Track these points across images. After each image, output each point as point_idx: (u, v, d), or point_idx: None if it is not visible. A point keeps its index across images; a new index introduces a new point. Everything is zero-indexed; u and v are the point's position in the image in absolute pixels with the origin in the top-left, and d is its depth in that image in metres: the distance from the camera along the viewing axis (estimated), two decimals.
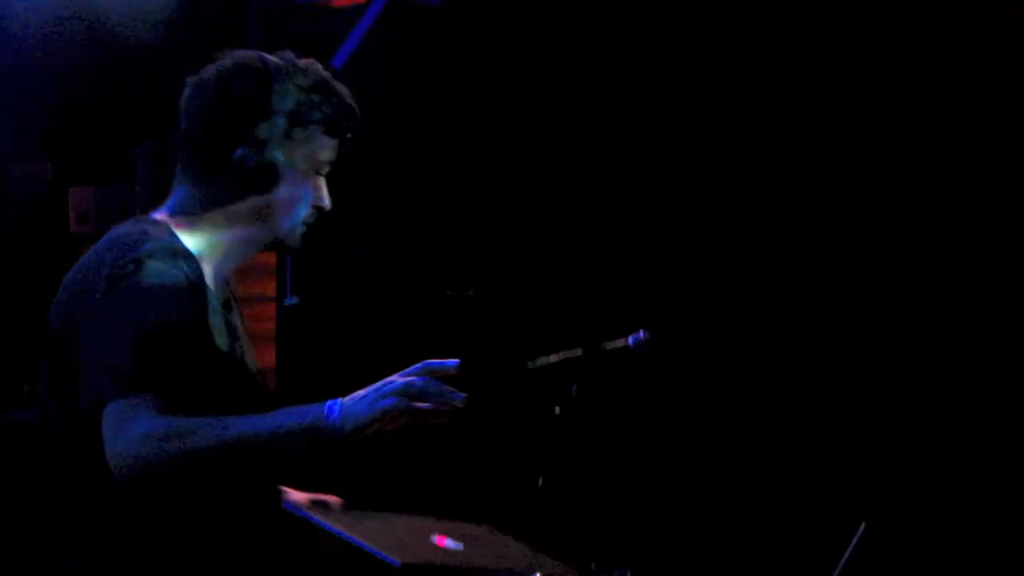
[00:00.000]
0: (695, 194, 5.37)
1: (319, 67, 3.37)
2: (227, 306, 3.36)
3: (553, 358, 3.46)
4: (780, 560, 4.71)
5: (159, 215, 3.31)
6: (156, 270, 3.13)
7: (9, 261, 5.85)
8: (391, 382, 2.95)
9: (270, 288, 5.78)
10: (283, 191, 3.31)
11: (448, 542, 3.01)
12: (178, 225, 3.28)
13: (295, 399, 2.99)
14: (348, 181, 3.46)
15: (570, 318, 4.95)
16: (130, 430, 2.98)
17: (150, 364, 3.03)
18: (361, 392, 2.97)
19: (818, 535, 3.34)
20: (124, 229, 3.26)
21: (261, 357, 3.46)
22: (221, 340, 3.25)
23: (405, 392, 2.94)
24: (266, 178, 3.28)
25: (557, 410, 3.42)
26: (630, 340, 3.48)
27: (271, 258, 5.67)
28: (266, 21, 5.61)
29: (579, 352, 3.46)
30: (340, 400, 2.95)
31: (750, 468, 5.19)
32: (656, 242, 5.39)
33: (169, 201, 3.33)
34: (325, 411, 2.95)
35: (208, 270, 3.28)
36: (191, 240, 3.27)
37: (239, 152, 3.26)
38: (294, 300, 5.65)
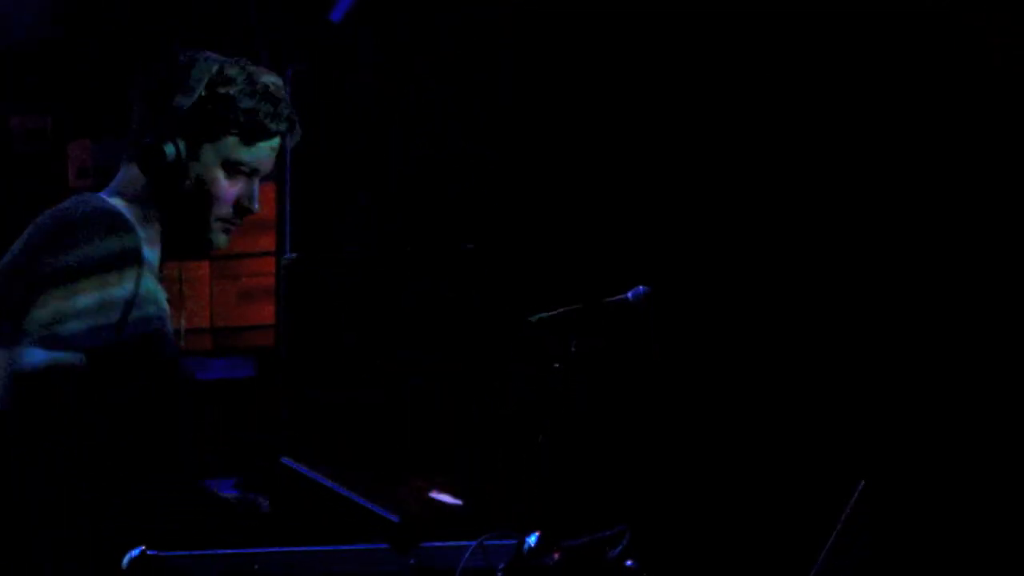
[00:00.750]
0: (695, 178, 5.39)
1: (263, 74, 3.37)
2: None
3: (553, 313, 3.46)
4: (780, 518, 4.73)
5: (103, 193, 3.36)
6: (88, 232, 3.21)
7: (10, 215, 5.86)
8: None
9: (269, 243, 5.79)
10: (191, 186, 3.33)
11: (446, 498, 3.03)
12: (126, 203, 3.32)
13: (293, 354, 3.01)
14: (348, 179, 3.48)
15: (571, 275, 4.96)
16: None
17: (41, 316, 3.13)
18: None
19: (818, 493, 3.32)
20: (66, 203, 3.32)
21: (260, 312, 3.47)
22: (150, 309, 3.27)
23: None
24: (171, 171, 3.32)
25: (557, 366, 3.43)
26: (629, 295, 3.48)
27: (271, 213, 5.68)
28: None
29: (579, 307, 3.46)
30: None
31: (748, 426, 5.20)
32: (658, 205, 5.40)
33: (113, 182, 3.38)
34: None
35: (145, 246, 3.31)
36: (130, 215, 3.30)
37: (148, 140, 3.30)
38: (291, 256, 5.66)
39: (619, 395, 4.77)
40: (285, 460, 3.02)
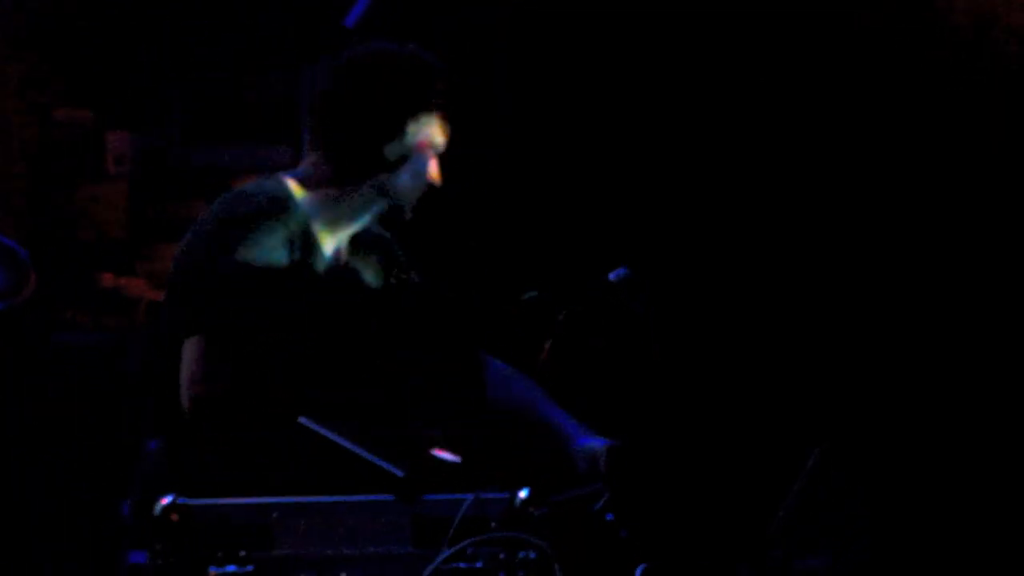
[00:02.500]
0: (690, 173, 5.40)
1: (433, 57, 3.49)
2: (348, 254, 3.53)
3: (540, 293, 3.57)
4: (745, 480, 4.81)
5: (287, 177, 3.47)
6: (245, 226, 3.34)
7: (54, 200, 5.91)
8: None
9: None
10: (407, 170, 3.47)
11: (446, 455, 3.09)
12: (298, 184, 3.46)
13: None
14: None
15: (559, 258, 5.04)
16: (209, 377, 3.24)
17: (217, 309, 3.26)
18: None
19: (781, 456, 3.45)
20: (246, 185, 3.47)
21: None
22: (319, 282, 3.43)
23: None
24: (398, 160, 3.45)
25: (547, 344, 3.54)
26: (611, 276, 3.59)
27: None
28: None
29: (565, 287, 3.57)
30: None
31: (722, 394, 5.26)
32: (645, 190, 5.42)
33: (300, 167, 3.50)
34: None
35: (322, 229, 3.46)
36: (309, 203, 3.44)
37: (381, 137, 3.43)
38: None
39: (605, 369, 4.89)
40: (303, 420, 3.08)
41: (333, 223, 3.50)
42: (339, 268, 3.54)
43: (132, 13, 5.68)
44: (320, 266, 3.49)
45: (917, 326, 5.19)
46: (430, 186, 3.50)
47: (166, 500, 3.00)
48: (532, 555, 2.80)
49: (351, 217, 3.52)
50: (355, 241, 3.58)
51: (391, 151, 3.45)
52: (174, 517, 2.98)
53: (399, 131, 3.44)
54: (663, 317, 5.03)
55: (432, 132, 3.48)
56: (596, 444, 3.38)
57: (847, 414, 5.05)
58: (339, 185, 3.47)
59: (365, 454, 2.99)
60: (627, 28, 5.41)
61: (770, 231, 5.32)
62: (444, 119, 3.48)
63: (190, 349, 3.28)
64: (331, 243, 3.52)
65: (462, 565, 2.83)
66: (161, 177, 5.83)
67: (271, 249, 3.37)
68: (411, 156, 3.47)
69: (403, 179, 3.48)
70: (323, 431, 3.06)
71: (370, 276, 3.61)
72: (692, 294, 5.32)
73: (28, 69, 5.78)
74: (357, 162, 3.46)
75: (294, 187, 3.47)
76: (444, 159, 3.56)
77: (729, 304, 5.34)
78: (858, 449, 4.31)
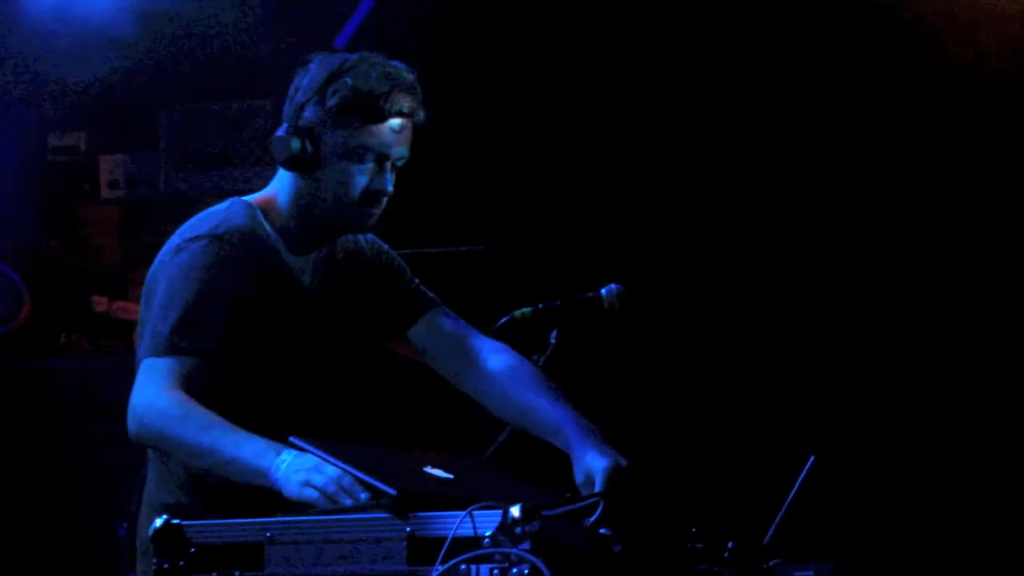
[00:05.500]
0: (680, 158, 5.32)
1: (383, 62, 3.36)
2: (321, 272, 3.44)
3: (534, 309, 3.54)
4: (741, 487, 4.77)
5: (254, 197, 3.42)
6: (205, 250, 3.28)
7: (48, 223, 5.92)
8: (322, 473, 3.02)
9: None
10: (326, 175, 3.36)
11: (438, 472, 3.06)
12: (263, 204, 3.41)
13: None
14: None
15: (550, 274, 4.96)
16: (143, 392, 3.18)
17: (180, 333, 3.20)
18: (302, 463, 3.04)
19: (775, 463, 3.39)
20: (211, 208, 3.40)
21: None
22: (288, 299, 3.36)
23: (324, 492, 3.01)
24: (307, 163, 3.34)
25: (536, 357, 3.50)
26: (603, 291, 3.56)
27: None
28: (273, 4, 5.58)
29: (557, 303, 3.54)
30: (286, 460, 3.05)
31: (716, 401, 5.20)
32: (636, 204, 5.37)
33: (267, 187, 3.44)
34: (272, 466, 3.06)
35: (287, 246, 3.39)
36: (271, 218, 3.38)
37: (289, 138, 3.34)
38: None
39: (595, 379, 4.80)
40: (294, 439, 3.06)
41: (297, 245, 3.43)
42: (310, 287, 3.46)
43: (128, 44, 5.66)
44: (288, 284, 3.42)
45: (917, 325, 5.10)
46: (376, 195, 3.38)
47: (159, 521, 2.96)
48: (525, 570, 2.73)
49: (314, 233, 3.44)
50: (325, 260, 3.49)
51: (296, 149, 3.34)
52: (168, 538, 2.94)
53: (298, 128, 3.35)
54: (661, 327, 5.02)
55: (350, 136, 3.34)
56: (595, 458, 3.29)
57: (841, 421, 4.96)
58: (282, 193, 3.41)
59: (357, 472, 2.95)
60: (629, 27, 5.36)
61: (768, 233, 5.25)
62: (366, 122, 3.33)
63: (149, 370, 3.22)
64: (300, 264, 3.44)
65: None
66: (153, 200, 5.81)
67: (234, 274, 3.31)
68: (324, 160, 3.35)
69: (324, 184, 3.37)
70: (313, 450, 3.02)
71: (347, 290, 3.51)
72: (687, 304, 5.26)
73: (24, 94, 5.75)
74: (281, 158, 3.37)
75: (255, 207, 3.42)
76: (401, 170, 3.43)
77: (725, 313, 5.27)
78: (856, 453, 4.26)
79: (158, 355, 3.22)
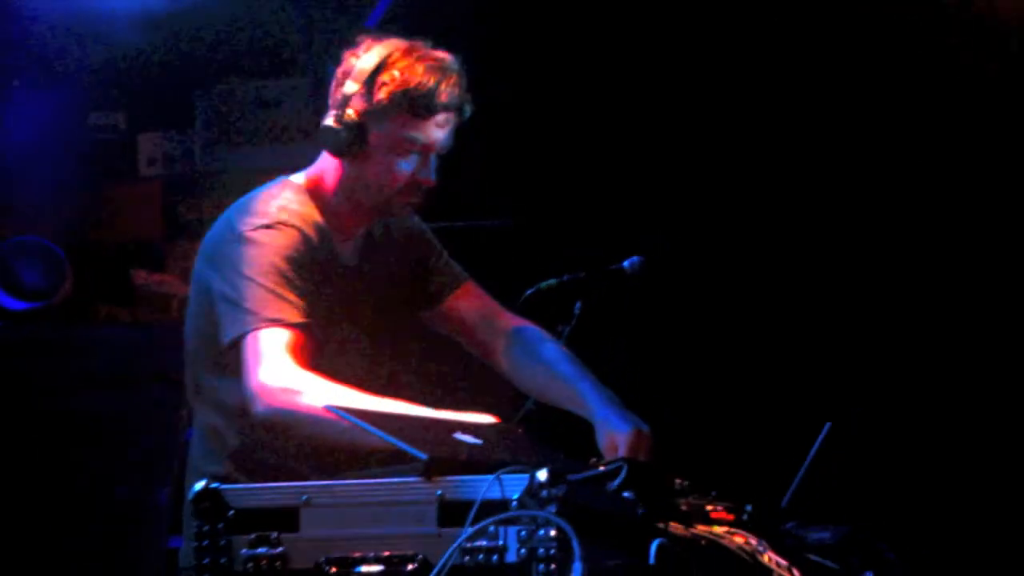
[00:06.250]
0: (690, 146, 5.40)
1: (431, 53, 3.36)
2: (366, 253, 3.50)
3: (559, 280, 3.57)
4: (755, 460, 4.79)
5: (296, 177, 3.46)
6: (275, 237, 3.34)
7: (89, 199, 5.95)
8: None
9: None
10: (372, 164, 3.40)
11: (468, 438, 3.09)
12: (311, 186, 3.45)
13: None
14: None
15: (576, 246, 4.98)
16: (277, 370, 3.21)
17: (272, 300, 3.26)
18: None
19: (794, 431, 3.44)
20: (261, 188, 3.44)
21: None
22: (337, 279, 3.42)
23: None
24: (343, 147, 3.38)
25: (561, 327, 3.54)
26: (625, 264, 3.59)
27: None
28: None
29: (581, 275, 3.58)
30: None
31: (729, 377, 5.27)
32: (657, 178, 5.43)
33: (311, 167, 3.48)
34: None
35: (335, 227, 3.44)
36: (319, 200, 3.43)
37: (326, 121, 3.38)
38: None
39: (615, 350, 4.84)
40: (333, 408, 3.10)
41: (342, 226, 3.49)
42: (356, 267, 3.53)
43: (165, 27, 5.67)
44: (338, 265, 3.49)
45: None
46: (416, 184, 3.43)
47: (199, 485, 2.99)
48: (551, 532, 2.76)
49: (357, 217, 3.50)
50: (365, 238, 3.56)
51: (346, 138, 3.38)
52: (207, 502, 2.98)
53: (351, 118, 3.38)
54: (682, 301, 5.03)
55: (394, 128, 3.38)
56: (618, 425, 3.35)
57: (855, 393, 5.00)
58: (325, 175, 3.45)
59: (390, 438, 2.97)
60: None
61: (774, 227, 5.32)
62: (412, 115, 3.37)
63: (250, 344, 3.28)
64: (341, 239, 3.50)
65: (484, 543, 2.81)
66: (190, 177, 5.84)
67: (299, 257, 3.37)
68: (372, 150, 3.39)
69: (367, 171, 3.42)
70: (351, 418, 3.05)
71: (384, 267, 3.58)
72: (707, 278, 5.31)
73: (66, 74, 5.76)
74: (328, 145, 3.41)
75: (305, 189, 3.47)
76: (442, 160, 3.46)
77: (743, 290, 5.33)
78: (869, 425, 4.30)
79: (261, 328, 3.28)
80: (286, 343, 3.27)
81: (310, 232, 3.42)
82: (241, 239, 3.37)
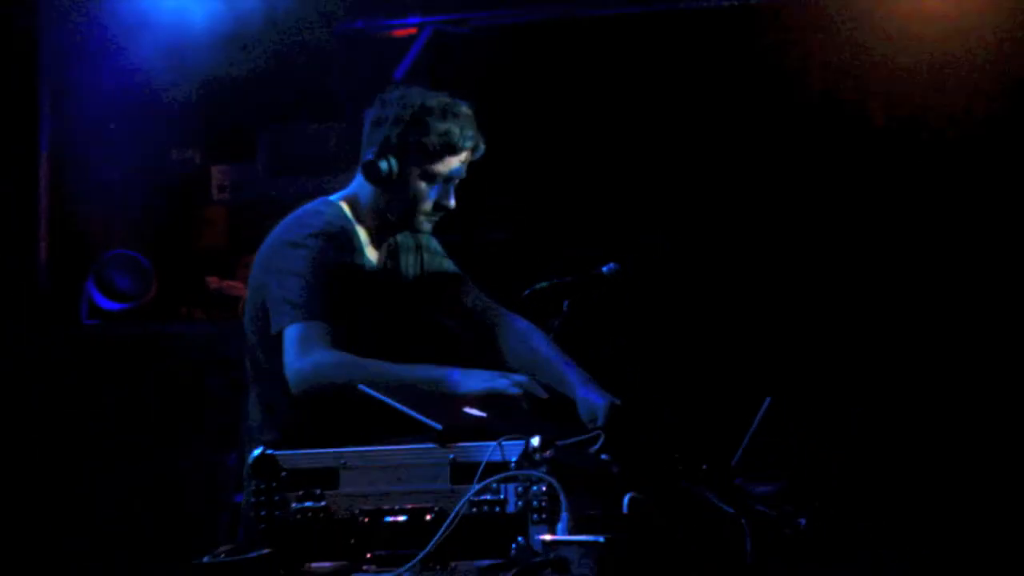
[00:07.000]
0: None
1: (456, 104, 3.42)
2: (389, 257, 3.52)
3: (551, 283, 3.57)
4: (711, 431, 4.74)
5: (338, 197, 3.50)
6: (320, 245, 3.36)
7: (171, 220, 5.96)
8: (505, 376, 3.21)
9: None
10: (404, 191, 3.44)
11: (475, 412, 3.12)
12: (349, 204, 3.48)
13: None
14: None
15: (563, 255, 4.98)
16: (308, 354, 3.22)
17: (313, 297, 3.27)
18: (478, 372, 3.21)
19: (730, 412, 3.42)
20: (307, 206, 3.47)
21: None
22: (367, 278, 3.44)
23: (516, 383, 3.18)
24: (381, 177, 3.42)
25: (553, 322, 3.55)
26: (604, 269, 3.59)
27: None
28: (345, 44, 5.60)
29: (569, 279, 3.58)
30: (456, 370, 3.20)
31: (694, 358, 5.15)
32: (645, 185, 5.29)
33: (350, 184, 3.52)
34: (446, 374, 3.20)
35: (366, 237, 3.46)
36: (353, 215, 3.45)
37: (367, 158, 3.42)
38: None
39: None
40: (362, 387, 3.10)
41: (372, 238, 3.53)
42: (382, 268, 3.57)
43: (232, 72, 5.64)
44: (367, 266, 3.51)
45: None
46: (439, 209, 3.47)
47: (257, 451, 3.02)
48: (543, 488, 2.80)
49: (384, 229, 3.54)
50: (393, 244, 3.59)
51: (374, 166, 3.42)
52: (263, 465, 2.99)
53: (374, 148, 3.42)
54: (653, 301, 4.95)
55: (420, 161, 3.43)
56: (596, 399, 3.37)
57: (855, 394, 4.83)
58: (361, 197, 3.49)
59: (411, 412, 2.99)
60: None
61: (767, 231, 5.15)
62: (442, 154, 3.42)
63: (292, 333, 3.30)
64: (373, 249, 3.54)
65: (489, 497, 2.84)
66: (252, 201, 5.85)
67: (338, 263, 3.40)
68: (398, 178, 3.43)
69: (395, 196, 3.46)
70: (379, 396, 3.06)
71: (407, 270, 3.61)
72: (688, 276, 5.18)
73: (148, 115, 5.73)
74: (369, 175, 3.45)
75: (343, 207, 3.50)
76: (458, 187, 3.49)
77: (743, 290, 5.16)
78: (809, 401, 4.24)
79: (300, 321, 3.29)
80: (320, 333, 3.28)
81: (346, 240, 3.44)
82: (289, 245, 3.41)
